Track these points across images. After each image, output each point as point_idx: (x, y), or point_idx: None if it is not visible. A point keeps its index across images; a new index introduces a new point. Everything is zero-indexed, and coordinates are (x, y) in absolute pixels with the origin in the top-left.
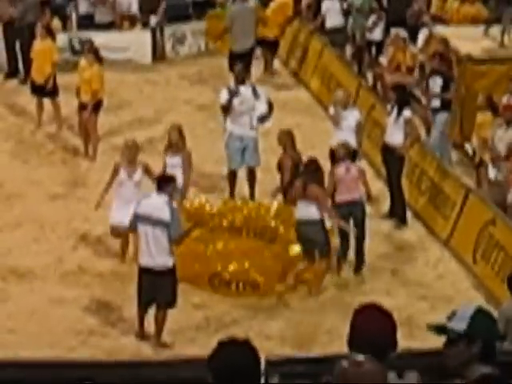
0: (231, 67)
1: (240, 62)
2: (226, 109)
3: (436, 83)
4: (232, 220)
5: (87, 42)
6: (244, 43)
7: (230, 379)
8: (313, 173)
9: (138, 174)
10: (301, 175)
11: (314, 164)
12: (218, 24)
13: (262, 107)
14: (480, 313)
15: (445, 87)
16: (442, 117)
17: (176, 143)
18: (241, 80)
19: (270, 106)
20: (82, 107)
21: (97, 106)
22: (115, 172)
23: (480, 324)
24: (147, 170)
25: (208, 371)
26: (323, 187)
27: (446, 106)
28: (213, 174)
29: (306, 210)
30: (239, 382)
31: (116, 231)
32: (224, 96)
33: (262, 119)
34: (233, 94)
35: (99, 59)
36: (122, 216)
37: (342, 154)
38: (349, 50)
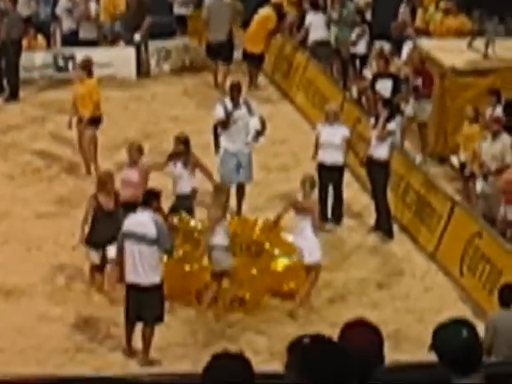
0: (209, 56)
1: (215, 53)
2: (224, 123)
3: (386, 86)
4: None
5: (86, 59)
6: (217, 35)
7: None
8: None
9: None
10: None
11: None
12: (198, 22)
13: (256, 123)
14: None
15: (394, 91)
16: (398, 120)
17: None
18: (236, 96)
19: (263, 122)
20: (80, 122)
21: (96, 120)
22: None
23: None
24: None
25: None
26: None
27: (398, 109)
28: (199, 189)
29: None
30: None
31: None
32: (220, 111)
33: (257, 136)
34: (229, 109)
35: (90, 73)
36: None
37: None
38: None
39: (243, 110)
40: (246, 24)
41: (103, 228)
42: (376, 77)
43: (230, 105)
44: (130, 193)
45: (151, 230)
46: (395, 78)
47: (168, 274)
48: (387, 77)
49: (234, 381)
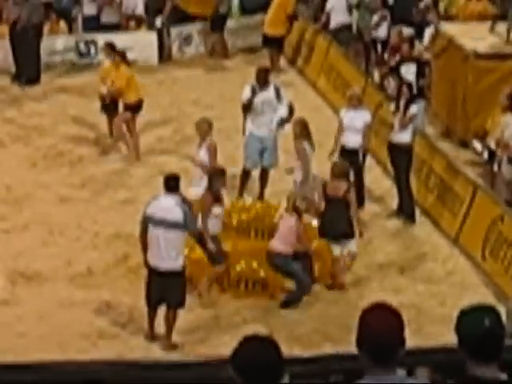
0: (215, 28)
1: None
2: (247, 107)
3: (409, 70)
4: (240, 220)
5: (108, 44)
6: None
7: (254, 375)
8: None
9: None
10: None
11: None
12: None
13: (283, 110)
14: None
15: (418, 74)
16: (421, 104)
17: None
18: (264, 80)
19: (291, 110)
20: (126, 108)
21: (136, 107)
22: None
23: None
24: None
25: (231, 367)
26: None
27: (422, 94)
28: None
29: None
30: (263, 378)
31: None
32: (246, 93)
33: (282, 123)
34: (255, 93)
35: (126, 62)
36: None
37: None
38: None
39: (271, 95)
40: (265, 8)
41: None
42: (400, 61)
43: (257, 88)
44: None
45: (176, 215)
46: (419, 63)
47: (189, 260)
48: (411, 61)
49: (263, 363)
